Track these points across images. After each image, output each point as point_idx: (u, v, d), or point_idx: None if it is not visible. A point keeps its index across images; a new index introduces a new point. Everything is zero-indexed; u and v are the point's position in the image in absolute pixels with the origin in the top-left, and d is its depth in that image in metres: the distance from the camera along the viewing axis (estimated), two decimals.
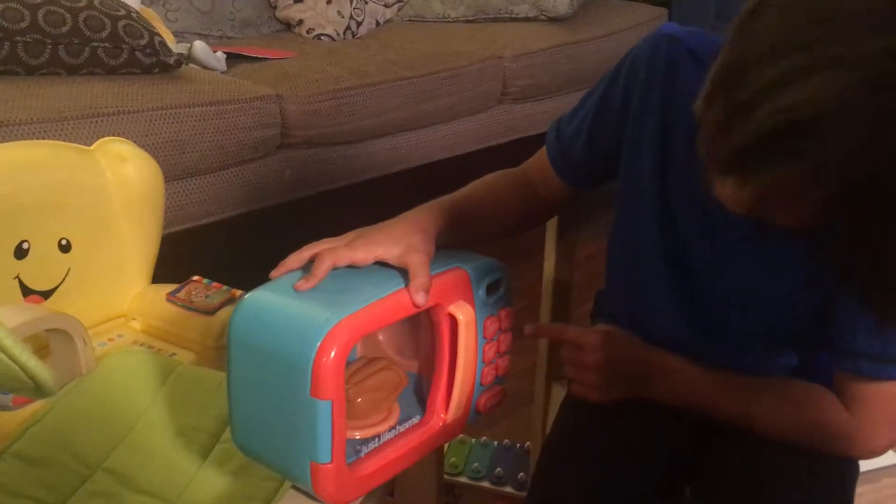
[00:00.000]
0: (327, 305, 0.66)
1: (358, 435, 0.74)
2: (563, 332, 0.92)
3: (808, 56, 0.45)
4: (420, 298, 0.70)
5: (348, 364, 0.75)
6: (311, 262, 0.72)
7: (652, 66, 0.81)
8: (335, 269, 0.71)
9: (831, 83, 0.44)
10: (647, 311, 0.88)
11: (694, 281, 0.84)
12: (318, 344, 0.63)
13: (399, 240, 0.73)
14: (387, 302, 0.69)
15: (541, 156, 0.94)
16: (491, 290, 0.78)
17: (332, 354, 0.63)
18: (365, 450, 0.73)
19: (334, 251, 0.72)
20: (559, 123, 0.93)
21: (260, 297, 0.70)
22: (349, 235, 0.75)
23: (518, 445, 1.38)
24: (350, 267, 0.72)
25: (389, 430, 0.76)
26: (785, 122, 0.47)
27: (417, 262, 0.71)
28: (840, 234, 0.51)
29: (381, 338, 0.86)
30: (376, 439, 0.74)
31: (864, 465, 0.88)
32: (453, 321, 0.74)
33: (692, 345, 0.85)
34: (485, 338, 0.78)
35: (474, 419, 0.81)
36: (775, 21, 0.49)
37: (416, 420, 0.78)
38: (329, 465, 0.66)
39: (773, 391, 0.82)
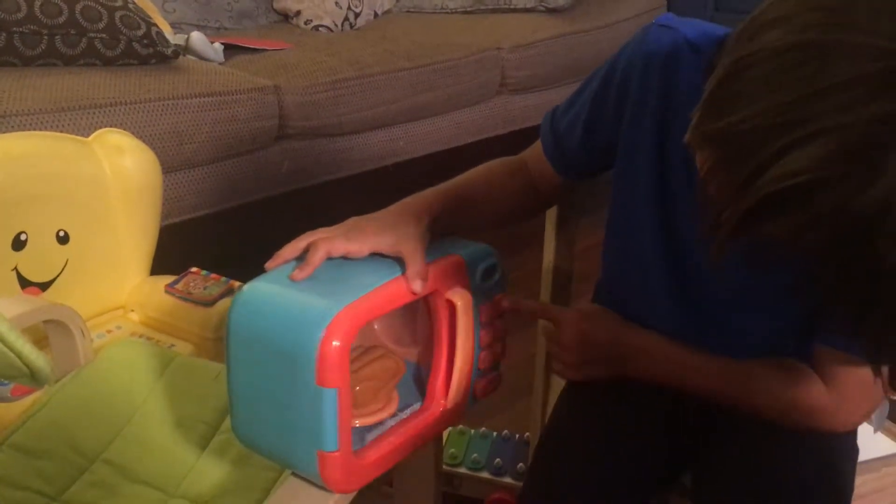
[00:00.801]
0: (328, 294, 0.66)
1: (358, 423, 0.74)
2: (541, 309, 0.93)
3: (803, 130, 0.46)
4: (417, 286, 0.70)
5: None
6: (307, 252, 0.72)
7: (648, 57, 0.80)
8: (330, 258, 0.71)
9: (820, 151, 0.46)
10: (645, 309, 0.88)
11: (692, 280, 0.83)
12: (323, 332, 0.63)
13: (393, 228, 0.73)
14: (386, 289, 0.69)
15: (537, 147, 0.93)
16: (486, 275, 0.78)
17: (338, 342, 0.63)
18: (369, 437, 0.73)
19: (329, 241, 0.72)
20: (553, 115, 0.92)
21: (259, 289, 0.70)
22: (344, 225, 0.75)
23: (517, 436, 1.38)
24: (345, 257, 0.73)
25: (391, 417, 0.76)
26: (775, 190, 0.48)
27: (411, 250, 0.71)
28: (824, 290, 0.52)
29: (376, 327, 0.86)
30: (379, 426, 0.74)
31: (866, 455, 0.88)
32: (451, 307, 0.74)
33: (689, 340, 0.85)
34: (481, 323, 0.78)
35: (472, 405, 0.82)
36: (764, 96, 0.49)
37: (416, 407, 0.78)
38: (336, 454, 0.66)
39: (754, 369, 0.82)
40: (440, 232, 0.78)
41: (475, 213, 0.87)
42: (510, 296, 0.82)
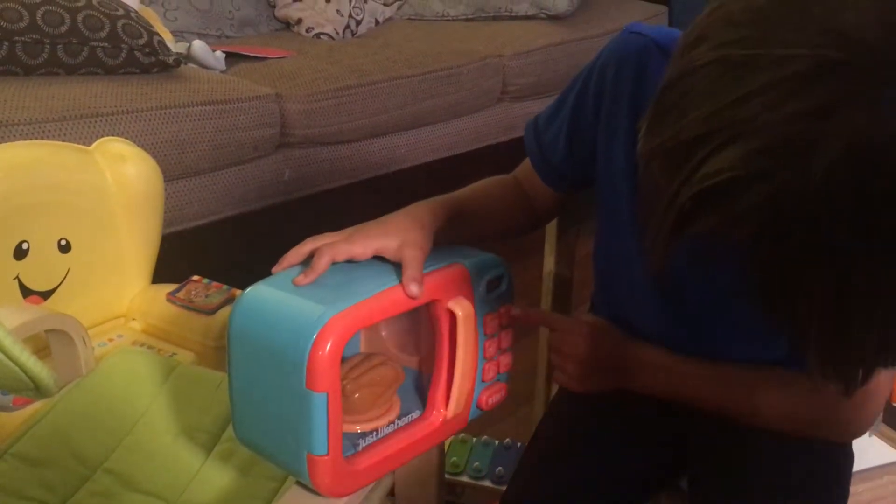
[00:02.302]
0: (324, 300, 0.67)
1: (359, 429, 0.74)
2: (551, 319, 0.93)
3: (725, 134, 0.49)
4: (412, 290, 0.70)
5: (347, 359, 0.76)
6: (312, 257, 0.72)
7: (620, 62, 0.81)
8: (335, 263, 0.72)
9: (741, 151, 0.48)
10: (634, 312, 0.88)
11: (676, 283, 0.83)
12: (314, 337, 0.64)
13: (396, 233, 0.74)
14: (383, 296, 0.69)
15: (526, 163, 0.94)
16: (491, 286, 0.78)
17: (327, 348, 0.64)
18: (363, 443, 0.73)
19: (333, 246, 0.72)
20: (536, 127, 0.92)
21: (259, 292, 0.71)
22: (348, 230, 0.76)
23: (519, 444, 1.38)
24: (350, 262, 0.73)
25: (389, 425, 0.76)
26: (700, 190, 0.50)
27: (411, 256, 0.71)
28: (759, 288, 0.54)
29: (383, 333, 0.86)
30: (374, 433, 0.75)
31: (865, 463, 0.88)
32: (452, 317, 0.74)
33: (678, 343, 0.85)
34: (485, 334, 0.78)
35: (476, 416, 0.82)
36: (689, 111, 0.51)
37: (416, 415, 0.78)
38: (325, 458, 0.67)
39: (761, 381, 0.82)
40: (442, 241, 0.78)
41: (477, 226, 0.87)
42: (520, 305, 0.82)
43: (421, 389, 0.82)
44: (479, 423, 0.83)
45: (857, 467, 0.86)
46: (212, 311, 1.19)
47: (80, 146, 1.16)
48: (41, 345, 0.98)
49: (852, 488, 0.84)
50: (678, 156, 0.51)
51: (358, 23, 2.56)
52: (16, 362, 0.66)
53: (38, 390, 0.73)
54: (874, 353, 0.52)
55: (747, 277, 0.53)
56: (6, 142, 1.22)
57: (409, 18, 2.77)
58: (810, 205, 0.47)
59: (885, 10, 0.46)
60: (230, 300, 1.21)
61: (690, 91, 0.51)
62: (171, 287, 1.24)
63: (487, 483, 1.31)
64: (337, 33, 2.48)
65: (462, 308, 0.74)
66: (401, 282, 0.71)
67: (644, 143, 0.56)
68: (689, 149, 0.50)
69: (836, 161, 0.45)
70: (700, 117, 0.50)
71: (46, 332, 0.94)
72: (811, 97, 0.46)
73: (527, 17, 2.61)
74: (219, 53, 2.00)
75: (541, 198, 0.94)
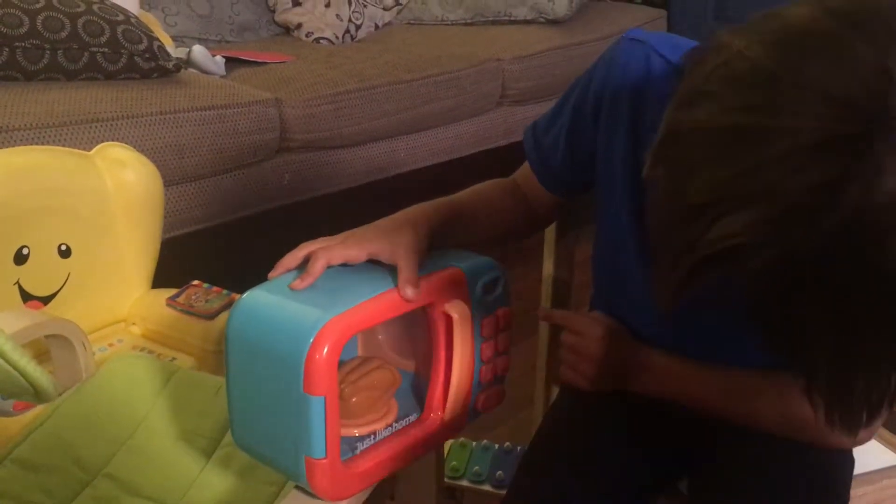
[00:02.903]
0: (320, 304, 0.67)
1: (356, 432, 0.74)
2: (568, 319, 0.94)
3: (735, 202, 0.50)
4: (408, 293, 0.70)
5: (344, 363, 0.76)
6: (308, 260, 0.73)
7: (622, 69, 0.81)
8: (332, 267, 0.72)
9: (748, 219, 0.50)
10: (632, 317, 0.89)
11: (681, 308, 0.83)
12: (311, 341, 0.64)
13: (389, 236, 0.74)
14: (379, 300, 0.70)
15: (525, 167, 0.94)
16: (487, 289, 0.78)
17: (324, 351, 0.64)
18: (361, 447, 0.73)
19: (328, 249, 0.72)
20: (535, 131, 0.93)
21: (256, 297, 0.71)
22: (343, 234, 0.76)
23: (519, 448, 1.38)
24: (346, 266, 0.73)
25: (386, 428, 0.76)
26: (708, 254, 0.52)
27: (405, 258, 0.72)
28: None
29: (380, 337, 0.86)
30: (372, 437, 0.75)
31: (865, 467, 0.88)
32: (449, 320, 0.75)
33: (678, 346, 0.86)
34: (482, 337, 0.79)
35: (474, 419, 0.82)
36: (699, 172, 0.52)
37: (413, 418, 0.78)
38: (323, 461, 0.67)
39: (762, 386, 0.82)
40: (439, 245, 0.78)
41: (474, 229, 0.87)
42: (543, 307, 0.83)
43: (418, 393, 0.82)
44: (479, 426, 0.83)
45: (857, 471, 0.86)
46: (211, 316, 1.19)
47: (80, 151, 1.16)
48: (41, 350, 0.99)
49: (852, 492, 0.84)
50: (686, 216, 0.53)
51: (357, 27, 2.56)
52: (16, 367, 0.67)
53: (38, 395, 0.73)
54: (879, 401, 0.54)
55: (753, 323, 0.55)
56: (6, 147, 1.23)
57: (408, 23, 2.77)
58: (817, 269, 0.49)
59: (879, 70, 0.47)
60: (230, 305, 1.21)
61: (697, 150, 0.53)
62: (171, 292, 1.24)
63: (487, 487, 1.31)
64: (336, 38, 2.48)
65: (458, 311, 0.74)
66: (396, 285, 0.71)
67: (649, 173, 0.57)
68: (697, 211, 0.52)
69: (844, 228, 0.47)
70: (708, 183, 0.51)
71: (46, 337, 0.94)
72: (818, 170, 0.47)
73: (526, 22, 2.62)
74: (218, 58, 2.01)
75: (540, 201, 0.94)
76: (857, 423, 0.55)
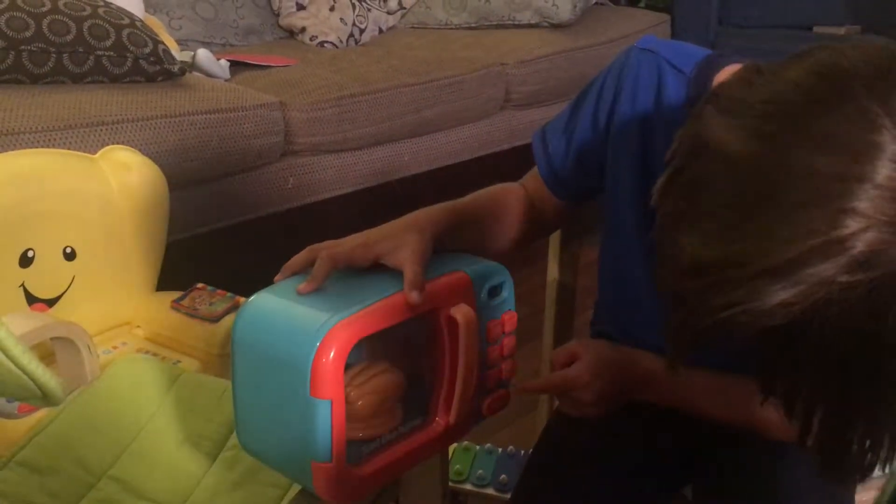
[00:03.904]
0: (327, 308, 0.67)
1: (361, 436, 0.74)
2: (550, 382, 0.91)
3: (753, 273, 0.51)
4: (413, 297, 0.70)
5: (350, 367, 0.76)
6: (314, 264, 0.72)
7: (633, 80, 0.81)
8: (338, 271, 0.72)
9: (758, 287, 0.51)
10: (637, 323, 0.88)
11: None
12: (318, 345, 0.64)
13: (395, 239, 0.74)
14: (386, 304, 0.69)
15: (534, 172, 0.94)
16: (493, 293, 0.78)
17: (331, 355, 0.64)
18: (366, 451, 0.73)
19: (335, 253, 0.72)
20: (544, 136, 0.92)
21: (262, 301, 0.71)
22: (349, 238, 0.76)
23: (522, 452, 1.38)
24: (353, 269, 0.73)
25: (391, 432, 0.76)
26: (717, 320, 0.53)
27: (411, 262, 0.71)
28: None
29: (385, 341, 0.86)
30: (378, 441, 0.75)
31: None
32: (454, 324, 0.75)
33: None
34: (488, 341, 0.78)
35: (479, 422, 0.82)
36: (717, 234, 0.54)
37: (418, 423, 0.78)
38: (329, 465, 0.67)
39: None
40: (444, 248, 0.78)
41: (481, 234, 0.86)
42: (517, 383, 0.83)
43: (423, 397, 0.82)
44: (483, 430, 0.83)
45: None
46: (216, 319, 1.19)
47: (85, 155, 1.16)
48: (46, 352, 0.99)
49: (857, 497, 0.84)
50: (694, 271, 0.54)
51: (361, 31, 2.57)
52: (24, 370, 0.66)
53: (46, 399, 0.73)
54: (874, 455, 0.55)
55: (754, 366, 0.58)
56: (12, 150, 1.23)
57: (412, 27, 2.78)
58: (824, 338, 0.50)
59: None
60: (234, 308, 1.21)
61: (716, 215, 0.54)
62: (176, 295, 1.24)
63: (491, 491, 1.31)
64: (341, 41, 2.49)
65: (464, 315, 0.74)
66: (402, 289, 0.71)
67: (661, 206, 0.60)
68: (705, 269, 0.53)
69: (853, 309, 0.49)
70: (715, 252, 0.53)
71: (51, 339, 0.94)
72: (828, 269, 0.49)
73: (530, 26, 2.62)
74: (223, 62, 2.01)
75: (548, 207, 0.93)
76: (849, 475, 0.56)
